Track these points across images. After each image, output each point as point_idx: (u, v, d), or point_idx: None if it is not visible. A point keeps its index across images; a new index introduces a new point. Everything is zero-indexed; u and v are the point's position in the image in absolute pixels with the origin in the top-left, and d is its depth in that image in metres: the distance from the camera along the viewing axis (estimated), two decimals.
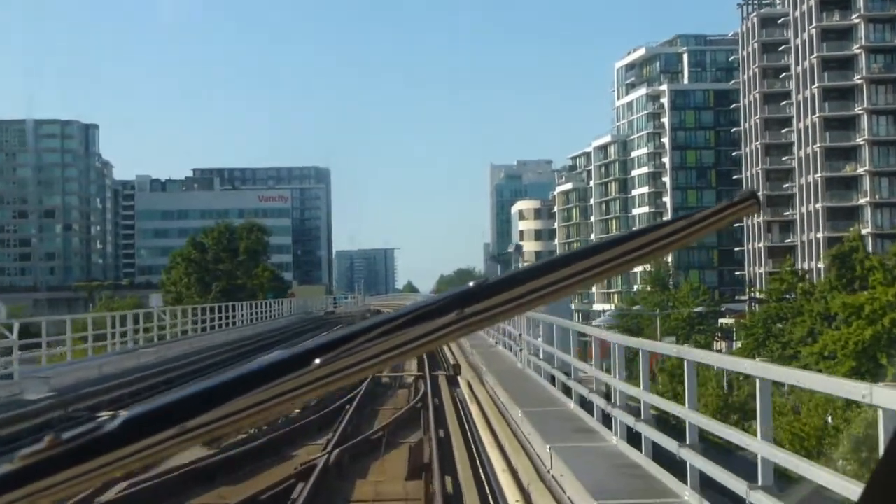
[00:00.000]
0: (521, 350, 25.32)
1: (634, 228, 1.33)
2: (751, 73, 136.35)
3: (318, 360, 1.11)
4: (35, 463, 1.04)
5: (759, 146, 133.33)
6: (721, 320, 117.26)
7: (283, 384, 1.09)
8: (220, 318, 56.45)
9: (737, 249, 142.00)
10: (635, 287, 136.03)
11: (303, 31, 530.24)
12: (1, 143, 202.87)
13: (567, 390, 18.23)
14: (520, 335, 25.41)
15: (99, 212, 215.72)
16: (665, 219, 1.33)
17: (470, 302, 1.16)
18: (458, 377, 29.62)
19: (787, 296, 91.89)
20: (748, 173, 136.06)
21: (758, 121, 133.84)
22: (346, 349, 1.12)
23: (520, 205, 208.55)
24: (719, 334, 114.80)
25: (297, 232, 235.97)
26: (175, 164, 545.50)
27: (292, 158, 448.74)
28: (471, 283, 1.19)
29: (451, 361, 33.57)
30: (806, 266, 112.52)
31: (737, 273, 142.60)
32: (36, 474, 1.03)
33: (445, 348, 38.28)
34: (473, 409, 21.10)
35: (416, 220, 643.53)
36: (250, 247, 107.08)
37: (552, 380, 20.22)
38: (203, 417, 1.07)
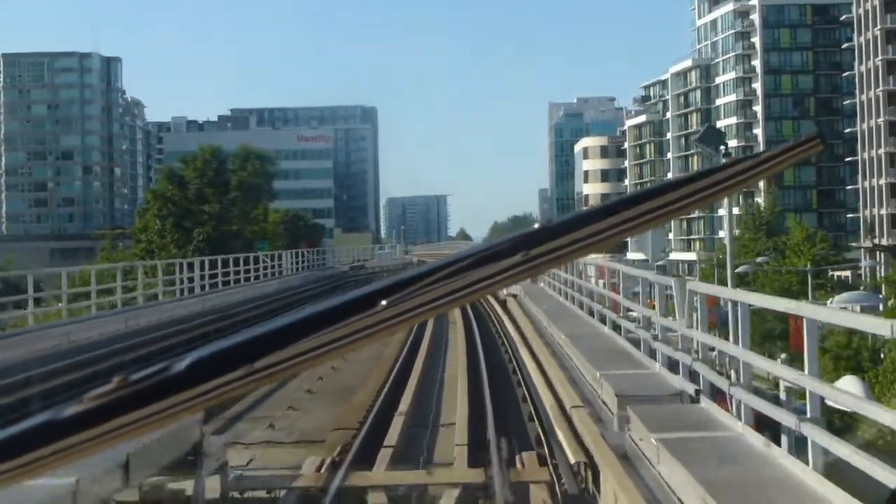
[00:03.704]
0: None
1: (698, 169, 1.31)
2: None
3: (384, 302, 1.11)
4: (103, 404, 1.05)
5: (878, 63, 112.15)
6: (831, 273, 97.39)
7: (350, 325, 1.10)
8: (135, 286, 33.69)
9: (849, 188, 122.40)
10: (720, 233, 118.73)
11: None
12: (13, 79, 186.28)
13: None
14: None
15: (123, 153, 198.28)
16: (730, 159, 1.32)
17: (535, 243, 1.16)
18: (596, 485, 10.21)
19: None
20: (864, 97, 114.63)
21: (877, 33, 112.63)
22: (412, 291, 1.12)
23: (584, 142, 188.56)
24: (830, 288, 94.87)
25: (342, 176, 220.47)
26: (217, 106, 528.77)
27: (336, 97, 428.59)
28: (536, 225, 1.20)
29: (566, 442, 12.65)
30: None
31: (849, 216, 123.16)
32: (104, 415, 1.04)
33: (542, 391, 17.62)
34: None
35: (468, 164, 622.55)
36: (246, 181, 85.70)
37: None
38: (270, 358, 1.08)
